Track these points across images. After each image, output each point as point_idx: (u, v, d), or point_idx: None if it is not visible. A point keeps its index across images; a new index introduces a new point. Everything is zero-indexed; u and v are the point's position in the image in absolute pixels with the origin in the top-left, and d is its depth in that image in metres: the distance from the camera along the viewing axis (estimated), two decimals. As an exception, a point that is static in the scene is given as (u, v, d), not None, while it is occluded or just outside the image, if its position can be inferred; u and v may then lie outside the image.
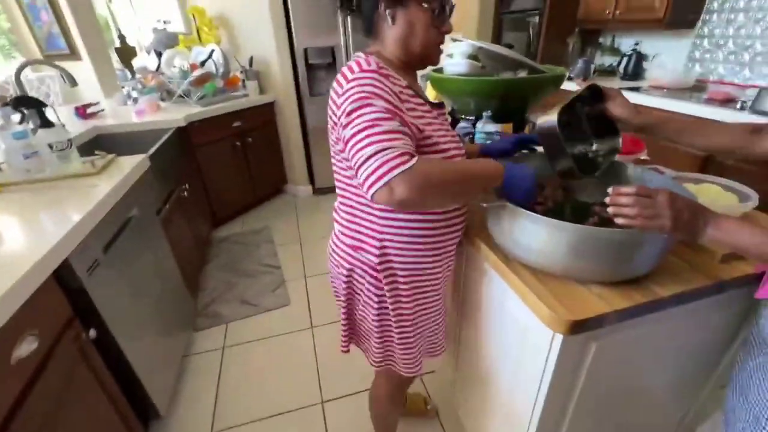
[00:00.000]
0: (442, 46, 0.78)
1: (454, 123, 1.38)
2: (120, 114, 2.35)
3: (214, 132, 2.49)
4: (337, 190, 0.84)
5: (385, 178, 0.59)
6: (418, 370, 0.95)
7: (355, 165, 0.63)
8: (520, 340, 0.81)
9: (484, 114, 1.17)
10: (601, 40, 3.04)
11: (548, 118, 0.76)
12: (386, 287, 0.83)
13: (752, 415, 0.68)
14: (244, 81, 2.77)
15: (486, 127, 1.20)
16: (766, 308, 0.69)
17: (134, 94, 2.54)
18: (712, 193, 0.87)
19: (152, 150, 1.71)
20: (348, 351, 0.99)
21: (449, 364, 1.32)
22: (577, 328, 0.63)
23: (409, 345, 0.91)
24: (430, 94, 1.46)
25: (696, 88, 2.27)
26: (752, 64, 2.12)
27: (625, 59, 2.66)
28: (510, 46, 1.14)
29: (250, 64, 2.79)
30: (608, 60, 2.95)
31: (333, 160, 0.80)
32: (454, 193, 0.69)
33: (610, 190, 0.62)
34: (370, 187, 0.60)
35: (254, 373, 1.62)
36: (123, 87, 2.65)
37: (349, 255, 0.84)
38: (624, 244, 0.64)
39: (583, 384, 0.75)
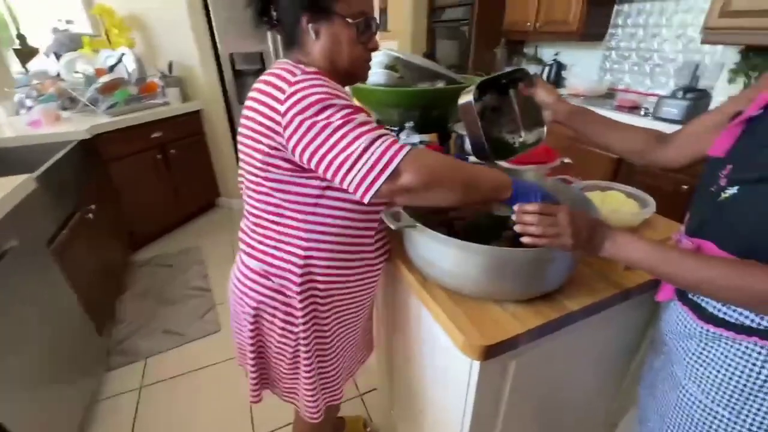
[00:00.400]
0: (370, 63, 0.75)
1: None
2: (12, 125, 2.04)
3: (130, 144, 2.25)
4: (251, 211, 0.74)
5: (392, 166, 0.55)
6: (341, 396, 0.89)
7: (339, 168, 0.57)
8: (444, 361, 0.78)
9: (406, 125, 1.14)
10: (525, 50, 3.21)
11: (467, 95, 0.78)
12: (301, 318, 0.76)
13: (659, 414, 0.71)
14: (163, 88, 2.54)
15: (410, 138, 1.17)
16: (664, 311, 0.72)
17: (28, 102, 2.22)
18: (617, 201, 0.91)
19: (43, 168, 1.48)
20: (260, 400, 0.89)
21: (386, 383, 1.27)
22: (492, 352, 0.61)
23: (332, 373, 0.85)
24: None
25: (608, 96, 2.46)
26: (652, 74, 2.34)
27: (547, 68, 2.83)
28: (431, 56, 1.13)
29: (170, 70, 2.57)
30: (533, 69, 3.13)
31: (247, 177, 0.70)
32: (458, 190, 0.61)
33: (516, 207, 0.60)
34: (373, 181, 0.56)
35: (177, 413, 1.45)
36: (16, 94, 2.31)
37: (259, 285, 0.75)
38: (532, 264, 0.62)
39: (508, 398, 0.74)
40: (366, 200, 0.57)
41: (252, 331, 0.79)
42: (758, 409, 0.55)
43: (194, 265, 2.34)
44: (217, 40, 2.51)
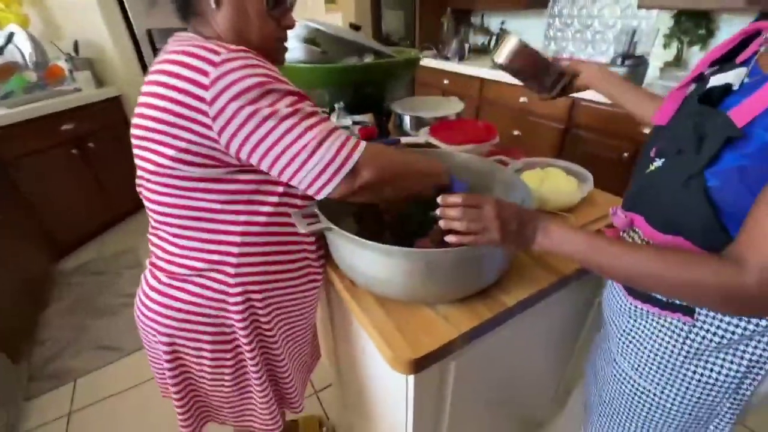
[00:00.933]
0: (286, 44, 0.66)
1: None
2: None
3: (36, 140, 1.97)
4: (162, 219, 0.59)
5: (351, 162, 0.52)
6: (301, 406, 0.83)
7: (288, 164, 0.52)
8: (380, 371, 0.72)
9: (337, 106, 1.03)
10: (472, 19, 3.12)
11: (510, 42, 0.80)
12: (244, 338, 0.66)
13: (598, 390, 0.72)
14: (71, 72, 2.23)
15: (342, 121, 1.06)
16: (605, 289, 0.71)
17: None
18: (557, 180, 0.86)
19: None
20: None
21: (337, 382, 1.21)
22: (422, 364, 0.55)
23: (289, 384, 0.77)
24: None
25: (553, 65, 2.45)
26: (593, 41, 2.34)
27: (493, 38, 2.76)
28: (355, 28, 1.00)
29: (76, 51, 2.24)
30: (480, 39, 3.06)
31: (152, 179, 0.56)
32: (406, 181, 0.62)
33: (439, 199, 0.52)
34: (330, 179, 0.52)
35: (114, 437, 1.33)
36: None
37: (173, 310, 0.63)
38: (459, 264, 0.56)
39: (452, 399, 0.70)
40: (320, 197, 0.54)
41: (171, 362, 0.67)
42: (681, 384, 0.56)
43: (129, 269, 2.13)
44: (130, 14, 2.21)
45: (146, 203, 0.61)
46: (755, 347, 0.50)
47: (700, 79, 0.54)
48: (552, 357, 0.94)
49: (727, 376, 0.53)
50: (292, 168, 0.51)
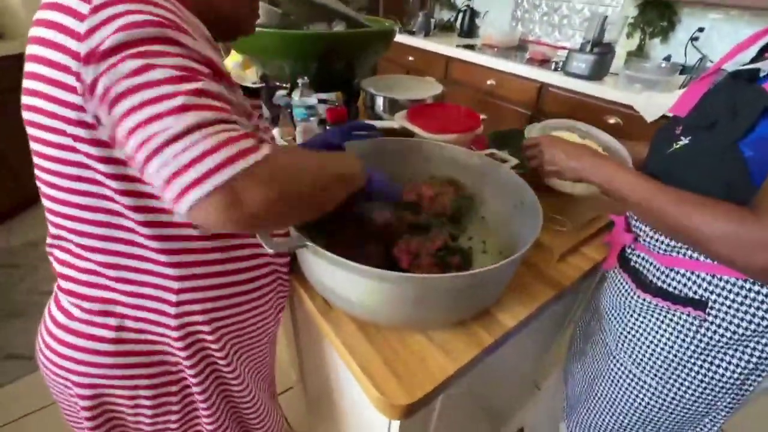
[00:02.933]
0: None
1: (270, 93, 1.05)
2: None
3: None
4: (61, 224, 0.43)
5: (225, 173, 0.31)
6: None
7: (143, 143, 0.32)
8: (359, 408, 0.62)
9: (300, 81, 0.87)
10: (438, -8, 2.97)
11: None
12: (193, 378, 0.53)
13: (587, 379, 0.72)
14: (-44, 19, 1.79)
15: (306, 99, 0.91)
16: (607, 278, 0.69)
17: None
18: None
19: None
20: None
21: (301, 389, 1.11)
22: (416, 408, 0.46)
23: (260, 408, 0.65)
24: (232, 59, 1.07)
25: (520, 48, 2.39)
26: (560, 26, 2.31)
27: (460, 15, 2.65)
28: (324, -12, 0.84)
29: (-39, -8, 1.80)
30: (447, 15, 2.93)
31: (48, 168, 0.40)
32: (316, 198, 0.41)
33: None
34: (194, 183, 0.31)
35: (32, 465, 1.13)
36: None
37: (95, 355, 0.47)
38: (468, 287, 0.47)
39: (435, 424, 0.62)
40: (180, 209, 0.32)
41: (93, 419, 0.52)
42: (684, 379, 0.56)
43: (45, 261, 1.80)
44: (34, -50, 1.80)
45: (44, 201, 0.44)
46: (765, 344, 0.51)
47: (717, 72, 0.54)
48: (533, 353, 0.91)
49: (733, 372, 0.53)
50: (148, 148, 0.32)
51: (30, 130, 0.39)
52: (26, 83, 0.37)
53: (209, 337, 0.52)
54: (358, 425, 0.68)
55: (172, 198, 0.32)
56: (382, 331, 0.52)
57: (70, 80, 0.34)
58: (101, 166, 0.38)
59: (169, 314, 0.48)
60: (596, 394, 0.69)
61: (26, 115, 0.39)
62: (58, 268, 0.48)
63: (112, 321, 0.47)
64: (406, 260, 0.53)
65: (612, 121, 1.69)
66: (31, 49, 0.36)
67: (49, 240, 0.48)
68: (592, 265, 0.67)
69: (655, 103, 1.52)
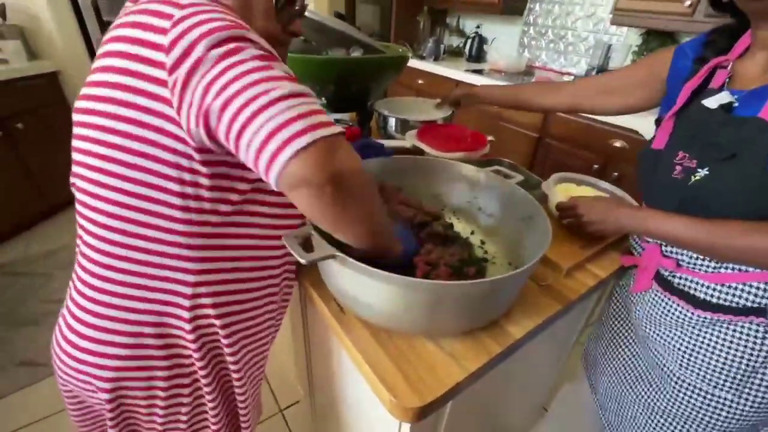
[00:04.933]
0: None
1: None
2: None
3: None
4: (108, 224, 0.46)
5: (332, 128, 0.37)
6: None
7: (244, 105, 0.35)
8: (369, 409, 0.64)
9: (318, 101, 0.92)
10: (448, 20, 3.09)
11: None
12: (201, 370, 0.55)
13: (642, 405, 0.72)
14: (-5, 40, 1.92)
15: (323, 119, 0.96)
16: (638, 302, 0.71)
17: None
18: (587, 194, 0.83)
19: None
20: None
21: (308, 401, 1.11)
22: (427, 412, 0.47)
23: (248, 406, 0.66)
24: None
25: (527, 73, 2.47)
26: (566, 52, 2.39)
27: (469, 41, 2.75)
28: (341, 17, 0.91)
29: (3, 16, 1.93)
30: (455, 41, 3.04)
31: (93, 176, 0.44)
32: (367, 206, 0.44)
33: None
34: (291, 138, 0.35)
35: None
36: None
37: (117, 347, 0.50)
38: (482, 294, 0.49)
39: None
40: (283, 157, 0.35)
41: (115, 418, 0.54)
42: (759, 385, 0.58)
43: (62, 270, 1.88)
44: (72, -21, 1.94)
45: (79, 209, 0.48)
46: None
47: (679, 111, 0.62)
48: (538, 379, 0.91)
49: None
50: (246, 113, 0.35)
51: (91, 132, 0.43)
52: (96, 91, 0.41)
53: (221, 332, 0.54)
54: (368, 426, 0.69)
55: (277, 147, 0.35)
56: (393, 338, 0.55)
57: (150, 87, 0.39)
58: (159, 167, 0.42)
59: (184, 307, 0.50)
60: (662, 418, 0.68)
61: (93, 119, 0.42)
62: (83, 262, 0.50)
63: (131, 316, 0.49)
64: (423, 269, 0.56)
65: (618, 144, 1.72)
66: (107, 61, 0.41)
67: (79, 235, 0.51)
68: (597, 282, 0.69)
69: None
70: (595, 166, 1.84)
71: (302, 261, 0.44)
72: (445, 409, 0.58)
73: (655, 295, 0.66)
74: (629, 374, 0.75)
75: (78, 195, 0.49)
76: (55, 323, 0.56)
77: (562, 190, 0.84)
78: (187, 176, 0.43)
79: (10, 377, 1.38)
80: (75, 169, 0.48)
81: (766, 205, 0.50)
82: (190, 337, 0.52)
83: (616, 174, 1.76)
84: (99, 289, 0.49)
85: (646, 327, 0.69)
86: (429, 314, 0.49)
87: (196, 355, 0.54)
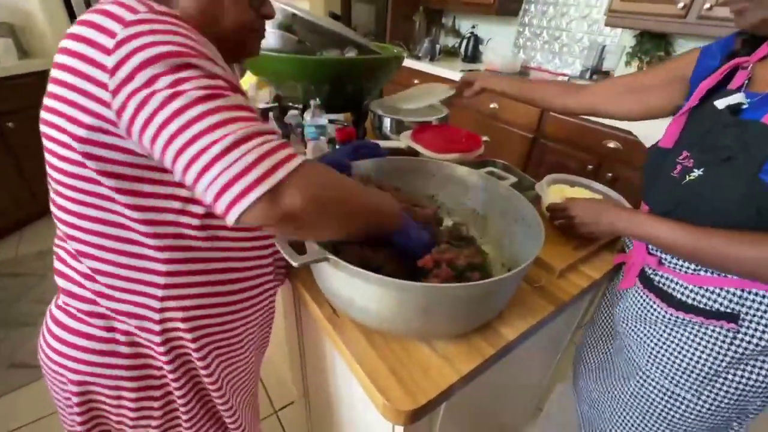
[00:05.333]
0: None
1: (283, 112, 1.10)
2: None
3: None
4: (70, 233, 0.46)
5: (273, 177, 0.36)
6: None
7: (192, 161, 0.36)
8: (362, 411, 0.63)
9: (312, 102, 0.92)
10: (444, 20, 3.10)
11: None
12: (173, 382, 0.55)
13: (610, 398, 0.74)
14: (-15, 38, 1.89)
15: (317, 119, 0.96)
16: (621, 299, 0.72)
17: None
18: (581, 194, 0.84)
19: None
20: None
21: (303, 403, 1.11)
22: (420, 414, 0.47)
23: (240, 423, 0.65)
24: (246, 81, 1.13)
25: (522, 73, 2.48)
26: (560, 53, 2.40)
27: (464, 41, 2.75)
28: (336, 17, 0.90)
29: (-7, 13, 1.91)
30: (451, 41, 3.04)
31: (53, 176, 0.44)
32: (350, 217, 0.47)
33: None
34: (244, 192, 0.35)
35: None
36: None
37: (86, 353, 0.50)
38: (482, 297, 0.49)
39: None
40: (230, 220, 0.37)
41: (82, 414, 0.54)
42: (719, 390, 0.59)
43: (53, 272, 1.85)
44: (64, -24, 1.92)
45: (52, 206, 0.48)
46: None
47: (692, 110, 0.61)
48: (532, 379, 0.92)
49: (765, 377, 0.56)
50: (196, 168, 0.36)
51: (46, 143, 0.43)
52: (48, 101, 0.40)
53: (191, 345, 0.53)
54: (362, 423, 0.69)
55: (222, 211, 0.37)
56: (387, 340, 0.55)
57: (92, 105, 0.38)
58: (111, 182, 0.42)
59: (154, 320, 0.50)
60: (625, 412, 0.70)
61: (44, 129, 0.42)
62: (59, 266, 0.51)
63: (102, 322, 0.50)
64: (427, 261, 0.55)
65: (612, 145, 1.73)
66: (55, 73, 0.39)
67: (56, 240, 0.52)
68: (590, 283, 0.69)
69: (654, 129, 1.56)
70: (590, 166, 1.85)
71: (294, 264, 0.44)
72: (438, 411, 0.58)
73: (636, 292, 0.67)
74: (604, 368, 0.77)
75: (51, 201, 0.48)
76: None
77: (555, 191, 0.85)
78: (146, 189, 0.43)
79: (2, 378, 1.37)
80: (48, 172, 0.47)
81: (754, 212, 0.49)
82: (161, 349, 0.52)
83: (610, 175, 1.77)
84: (75, 294, 0.50)
85: (623, 323, 0.70)
86: (422, 317, 0.49)
87: (167, 368, 0.53)
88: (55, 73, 0.40)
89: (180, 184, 0.44)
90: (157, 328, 0.50)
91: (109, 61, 0.36)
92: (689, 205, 0.55)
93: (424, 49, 2.70)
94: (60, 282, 0.51)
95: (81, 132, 0.39)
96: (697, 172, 0.54)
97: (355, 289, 0.49)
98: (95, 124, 0.39)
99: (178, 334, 0.52)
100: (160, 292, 0.49)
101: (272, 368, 1.38)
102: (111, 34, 0.36)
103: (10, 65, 1.91)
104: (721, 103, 0.56)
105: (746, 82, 0.56)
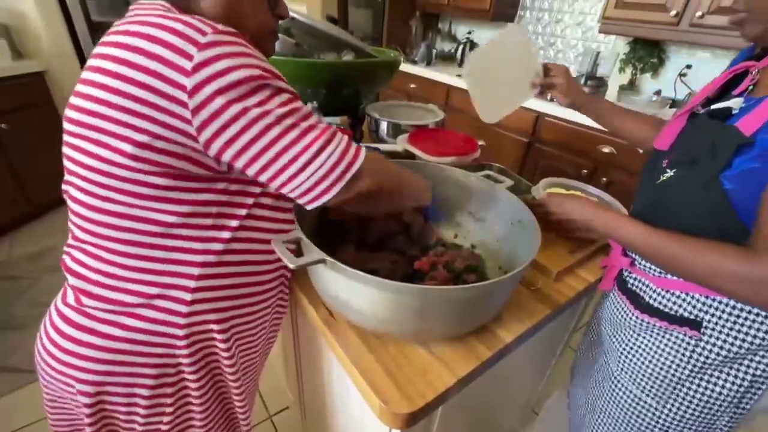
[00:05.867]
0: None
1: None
2: None
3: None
4: (93, 230, 0.46)
5: (353, 170, 0.46)
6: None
7: (282, 170, 0.44)
8: (358, 414, 0.63)
9: (309, 105, 0.92)
10: (440, 25, 3.12)
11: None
12: (194, 383, 0.55)
13: (589, 403, 0.73)
14: (-20, 39, 1.88)
15: (315, 122, 0.96)
16: (603, 301, 0.73)
17: None
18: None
19: None
20: None
21: (298, 407, 1.10)
22: (417, 417, 0.47)
23: (245, 408, 0.65)
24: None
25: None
26: (555, 59, 2.43)
27: (461, 47, 2.77)
28: (333, 21, 0.91)
29: (-12, 14, 1.90)
30: (447, 46, 3.06)
31: (89, 178, 0.44)
32: (400, 195, 0.58)
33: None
34: (330, 187, 0.46)
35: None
36: None
37: (103, 351, 0.49)
38: (473, 299, 0.49)
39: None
40: (314, 205, 0.47)
41: (90, 417, 0.53)
42: (683, 398, 0.58)
43: (49, 274, 1.83)
44: (60, -22, 1.91)
45: (74, 207, 0.47)
46: (759, 362, 0.53)
47: (693, 114, 0.59)
48: (528, 382, 0.92)
49: (730, 390, 0.55)
50: (288, 173, 0.44)
51: (87, 146, 0.42)
52: (97, 108, 0.40)
53: (219, 336, 0.54)
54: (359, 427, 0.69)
55: (307, 201, 0.47)
56: (384, 343, 0.54)
57: (172, 107, 0.39)
58: (159, 180, 0.43)
59: (181, 313, 0.50)
60: (599, 417, 0.70)
61: (87, 133, 0.42)
62: (75, 267, 0.50)
63: (125, 320, 0.49)
64: (424, 263, 0.56)
65: (606, 150, 1.75)
66: (109, 81, 0.40)
67: (70, 241, 0.51)
68: (586, 286, 0.70)
69: (647, 134, 1.58)
70: (584, 171, 1.87)
71: (291, 266, 0.44)
72: (435, 414, 0.58)
73: (613, 295, 0.68)
74: (588, 374, 0.77)
75: (71, 204, 0.48)
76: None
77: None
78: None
79: (-9, 383, 1.34)
80: (68, 177, 0.47)
81: (709, 215, 0.48)
82: (183, 343, 0.52)
83: (604, 180, 1.78)
84: (95, 295, 0.49)
85: (602, 326, 0.71)
86: (419, 319, 0.49)
87: (186, 360, 0.53)
88: (103, 79, 0.40)
89: (221, 191, 0.48)
90: (182, 321, 0.51)
91: (189, 83, 0.38)
92: (660, 207, 0.56)
93: (420, 54, 2.71)
94: (76, 283, 0.50)
95: (144, 138, 0.40)
96: (669, 173, 0.55)
97: (351, 291, 0.49)
98: (160, 134, 0.40)
99: (207, 326, 0.53)
100: (193, 284, 0.50)
101: (267, 372, 1.36)
102: (187, 56, 0.38)
103: (5, 66, 1.90)
104: (718, 105, 0.55)
105: (750, 87, 0.55)
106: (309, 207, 0.47)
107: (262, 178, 0.45)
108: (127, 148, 0.41)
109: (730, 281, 0.45)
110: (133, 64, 0.39)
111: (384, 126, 1.09)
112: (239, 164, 0.44)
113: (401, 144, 0.98)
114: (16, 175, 2.01)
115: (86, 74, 0.42)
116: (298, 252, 0.47)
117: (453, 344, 0.55)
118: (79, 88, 0.42)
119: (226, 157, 0.43)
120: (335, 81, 0.95)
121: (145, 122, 0.40)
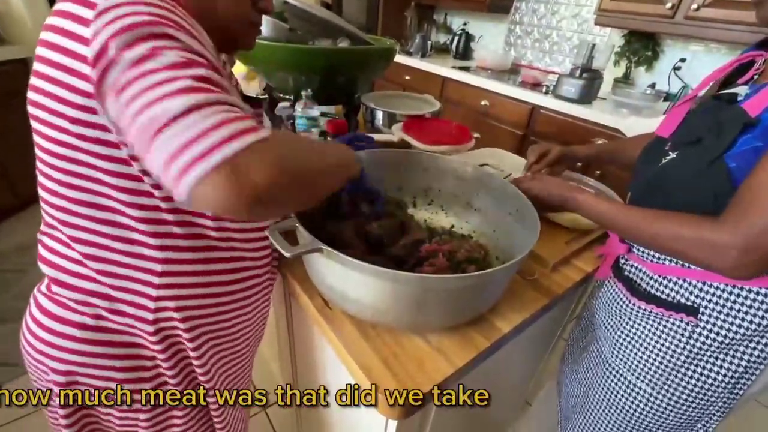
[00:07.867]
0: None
1: (272, 104, 1.08)
2: None
3: None
4: (56, 216, 0.45)
5: (231, 146, 0.30)
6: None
7: (148, 125, 0.31)
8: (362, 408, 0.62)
9: (303, 94, 0.90)
10: (435, 16, 3.09)
11: None
12: (168, 370, 0.53)
13: (582, 390, 0.73)
14: (-41, 23, 1.81)
15: (309, 111, 0.94)
16: (598, 289, 0.72)
17: None
18: None
19: None
20: None
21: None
22: (416, 407, 0.47)
23: (226, 416, 0.64)
24: (236, 70, 1.10)
25: (513, 71, 2.49)
26: (551, 51, 2.42)
27: (456, 38, 2.75)
28: (328, 6, 0.88)
29: (-33, -2, 1.83)
30: (443, 37, 3.03)
31: (43, 158, 0.43)
32: (321, 178, 0.44)
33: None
34: (193, 162, 0.30)
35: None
36: None
37: (72, 341, 0.48)
38: (470, 289, 0.48)
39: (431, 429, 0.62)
40: (180, 193, 0.31)
41: (65, 407, 0.52)
42: (678, 384, 0.58)
43: (35, 266, 1.77)
44: (43, -39, 1.84)
45: (41, 193, 0.46)
46: (754, 348, 0.53)
47: (694, 98, 0.60)
48: (525, 365, 0.92)
49: (725, 376, 0.55)
50: (149, 130, 0.31)
51: (34, 125, 0.41)
52: (34, 81, 0.39)
53: (185, 335, 0.52)
54: (355, 425, 0.68)
55: (172, 179, 0.31)
56: (380, 333, 0.54)
57: (79, 83, 0.36)
58: (104, 164, 0.41)
59: (149, 308, 0.49)
60: (591, 403, 0.70)
61: (32, 110, 0.41)
62: (46, 255, 0.49)
63: (92, 310, 0.48)
64: (425, 250, 0.55)
65: (600, 142, 1.75)
66: (40, 51, 0.38)
67: (42, 227, 0.49)
68: (583, 276, 0.69)
69: (641, 128, 1.59)
70: (578, 164, 1.87)
71: (286, 254, 0.43)
72: (431, 406, 0.58)
73: (609, 283, 0.68)
74: (579, 362, 0.77)
75: (39, 190, 0.46)
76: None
77: None
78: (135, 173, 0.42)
79: (-24, 378, 1.32)
80: (37, 162, 0.45)
81: (711, 196, 0.49)
82: (154, 339, 0.50)
83: (598, 173, 1.79)
84: (62, 282, 0.48)
85: (597, 314, 0.71)
86: (416, 308, 0.48)
87: (161, 356, 0.52)
88: (39, 51, 0.38)
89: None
90: (150, 317, 0.49)
91: (88, 33, 0.34)
92: (657, 189, 0.55)
93: (415, 45, 2.68)
94: (48, 271, 0.48)
95: (72, 112, 0.38)
96: (671, 155, 0.55)
97: (348, 280, 0.48)
98: (85, 104, 0.37)
99: (172, 323, 0.51)
100: (156, 280, 0.48)
101: (261, 364, 1.35)
102: (91, 6, 0.34)
103: (-13, 52, 1.84)
104: (722, 93, 0.55)
105: (756, 76, 0.55)
106: (177, 190, 0.32)
107: (130, 135, 0.34)
108: (64, 124, 0.39)
109: (697, 247, 0.46)
110: (52, 27, 0.37)
111: (380, 115, 1.07)
112: (120, 116, 0.34)
113: (396, 133, 0.96)
114: (4, 166, 1.96)
115: (34, 67, 0.40)
116: (293, 241, 0.46)
117: (450, 334, 0.54)
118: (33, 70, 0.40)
119: (113, 110, 0.35)
120: (330, 68, 0.93)
121: (69, 93, 0.37)
